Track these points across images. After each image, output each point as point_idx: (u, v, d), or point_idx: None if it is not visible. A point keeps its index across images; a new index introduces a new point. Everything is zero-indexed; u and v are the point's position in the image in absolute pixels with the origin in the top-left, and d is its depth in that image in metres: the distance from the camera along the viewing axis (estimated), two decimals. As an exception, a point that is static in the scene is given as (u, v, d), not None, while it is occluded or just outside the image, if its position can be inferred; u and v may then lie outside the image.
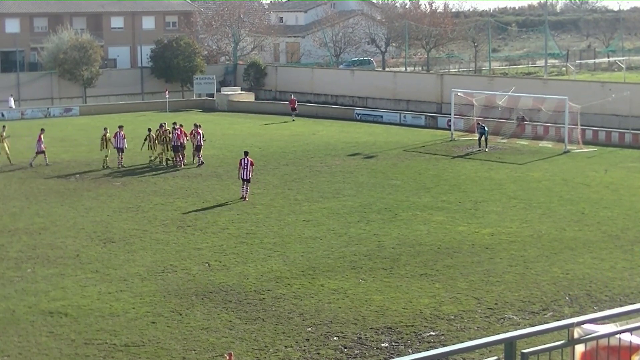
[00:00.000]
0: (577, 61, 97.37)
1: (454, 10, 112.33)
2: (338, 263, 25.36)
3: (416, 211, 31.86)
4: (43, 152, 42.78)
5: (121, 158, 41.93)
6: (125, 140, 42.06)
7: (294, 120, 59.56)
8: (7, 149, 43.60)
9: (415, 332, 19.88)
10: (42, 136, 42.90)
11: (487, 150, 45.66)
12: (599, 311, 11.81)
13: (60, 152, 46.64)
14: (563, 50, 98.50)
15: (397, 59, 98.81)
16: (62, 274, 24.62)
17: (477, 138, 47.05)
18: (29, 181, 38.70)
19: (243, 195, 34.45)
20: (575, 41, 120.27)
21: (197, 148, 42.23)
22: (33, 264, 25.63)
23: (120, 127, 42.89)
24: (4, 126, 45.79)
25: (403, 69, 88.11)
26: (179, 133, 41.83)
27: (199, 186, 37.17)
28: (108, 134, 42.10)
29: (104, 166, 41.66)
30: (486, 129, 46.33)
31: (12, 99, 66.75)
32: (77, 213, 32.27)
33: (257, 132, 53.29)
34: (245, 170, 34.31)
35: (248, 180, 34.51)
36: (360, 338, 19.54)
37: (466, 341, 9.00)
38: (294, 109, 60.98)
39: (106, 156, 41.85)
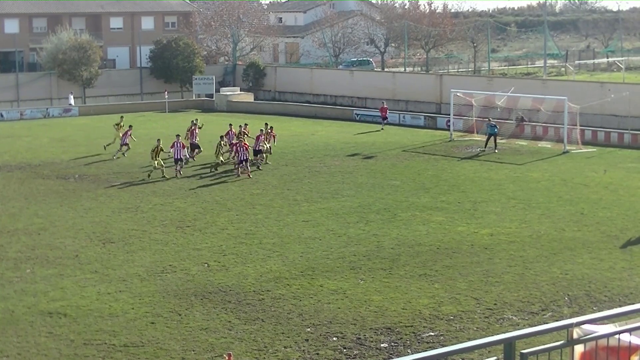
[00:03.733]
0: (576, 61, 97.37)
1: (453, 10, 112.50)
2: (337, 263, 25.36)
3: (415, 211, 31.87)
4: (127, 144, 43.88)
5: (180, 167, 39.52)
6: (185, 149, 40.39)
7: (382, 129, 54.80)
8: (119, 139, 44.90)
9: (414, 333, 19.89)
10: (129, 132, 44.29)
11: (496, 151, 45.26)
12: (598, 311, 11.81)
13: (59, 152, 46.61)
14: (562, 51, 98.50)
15: (396, 60, 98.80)
16: (61, 274, 24.62)
17: (484, 138, 46.75)
18: (28, 181, 38.68)
19: (177, 174, 39.06)
20: (575, 41, 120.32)
21: (256, 152, 41.47)
22: (32, 265, 25.63)
23: (178, 135, 40.96)
24: (122, 116, 48.03)
25: (402, 69, 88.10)
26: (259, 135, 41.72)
27: (198, 186, 37.15)
28: (161, 145, 39.34)
29: (163, 175, 38.80)
30: (496, 129, 45.94)
31: (72, 96, 68.70)
32: (76, 213, 32.27)
33: (257, 132, 53.14)
34: (178, 151, 39.26)
35: (180, 160, 39.40)
36: (360, 338, 19.55)
37: (465, 341, 9.00)
38: (385, 117, 56.20)
39: (162, 166, 39.00)
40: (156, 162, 38.98)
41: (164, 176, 38.72)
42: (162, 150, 39.34)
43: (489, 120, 46.97)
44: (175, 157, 39.53)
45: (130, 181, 38.53)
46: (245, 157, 39.02)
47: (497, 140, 46.37)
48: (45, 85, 70.76)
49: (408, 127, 56.90)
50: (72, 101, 68.13)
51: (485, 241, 27.64)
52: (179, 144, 39.82)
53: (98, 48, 73.41)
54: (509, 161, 42.90)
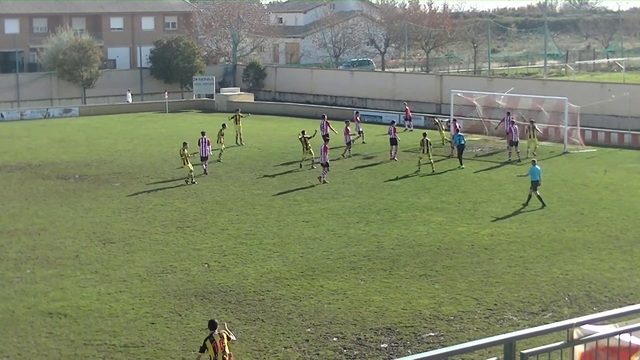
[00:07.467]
0: (577, 62, 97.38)
1: (453, 10, 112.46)
2: (337, 264, 25.36)
3: (415, 212, 31.87)
4: (349, 143, 44.78)
5: (206, 166, 39.60)
6: (210, 146, 39.74)
7: (411, 130, 53.48)
8: (240, 130, 48.17)
9: (414, 333, 19.89)
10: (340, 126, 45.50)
11: (462, 167, 41.11)
12: (599, 312, 11.82)
13: (59, 152, 46.62)
14: (562, 51, 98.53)
15: (396, 60, 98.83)
16: (61, 274, 24.63)
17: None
18: (28, 182, 38.68)
19: (205, 171, 39.44)
20: (575, 42, 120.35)
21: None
22: (32, 265, 25.64)
23: (203, 133, 40.48)
24: (237, 109, 49.97)
25: (402, 69, 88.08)
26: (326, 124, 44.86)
27: (198, 187, 37.15)
28: (187, 150, 38.00)
29: (188, 181, 37.74)
30: (464, 141, 42.56)
31: (129, 94, 70.42)
32: (76, 214, 32.27)
33: (256, 133, 53.21)
34: (204, 148, 39.40)
35: (206, 158, 39.65)
36: (360, 339, 19.56)
37: (465, 342, 8.99)
38: (407, 118, 55.39)
39: (191, 171, 37.71)
40: (188, 166, 37.72)
41: (193, 182, 37.60)
42: (187, 155, 37.83)
43: (456, 126, 45.35)
44: (202, 155, 39.63)
45: (130, 181, 38.52)
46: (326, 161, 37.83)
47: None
48: (46, 86, 70.75)
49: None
50: (129, 99, 69.87)
51: (485, 241, 27.65)
52: (204, 140, 39.57)
53: (98, 48, 73.41)
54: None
